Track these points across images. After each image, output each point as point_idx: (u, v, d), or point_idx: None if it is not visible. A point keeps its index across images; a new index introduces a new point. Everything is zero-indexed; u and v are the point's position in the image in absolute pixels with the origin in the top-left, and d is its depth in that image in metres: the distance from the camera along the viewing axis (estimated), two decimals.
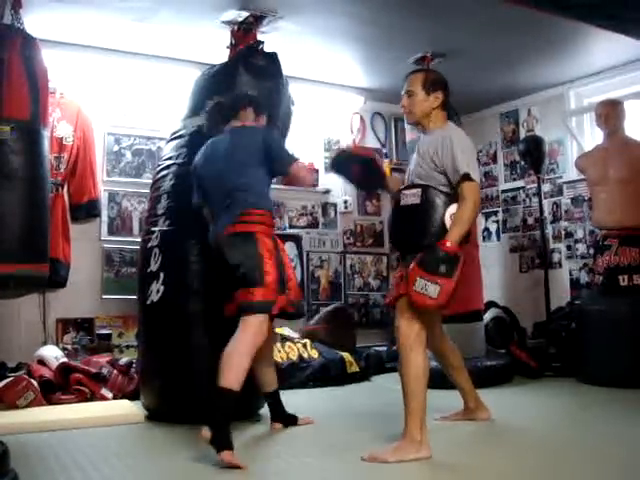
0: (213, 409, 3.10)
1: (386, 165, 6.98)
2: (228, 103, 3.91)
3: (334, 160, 3.91)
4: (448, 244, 3.07)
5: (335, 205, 6.80)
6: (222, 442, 2.99)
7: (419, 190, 3.28)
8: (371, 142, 7.04)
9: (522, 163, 6.70)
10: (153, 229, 4.07)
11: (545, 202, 6.53)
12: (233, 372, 3.17)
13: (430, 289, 3.02)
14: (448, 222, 3.17)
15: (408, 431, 3.08)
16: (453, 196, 3.21)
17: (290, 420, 3.85)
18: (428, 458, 3.03)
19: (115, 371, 4.68)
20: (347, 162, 3.79)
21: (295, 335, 5.74)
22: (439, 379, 3.90)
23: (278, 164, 3.57)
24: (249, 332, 3.26)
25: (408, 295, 3.09)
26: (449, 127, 3.39)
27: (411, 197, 3.31)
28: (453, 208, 3.19)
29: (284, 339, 5.50)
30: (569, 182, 6.47)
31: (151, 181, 4.43)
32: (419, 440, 3.05)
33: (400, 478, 2.87)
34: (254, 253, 3.34)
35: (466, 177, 3.15)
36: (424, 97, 3.37)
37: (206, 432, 3.01)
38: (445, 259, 3.05)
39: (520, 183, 6.94)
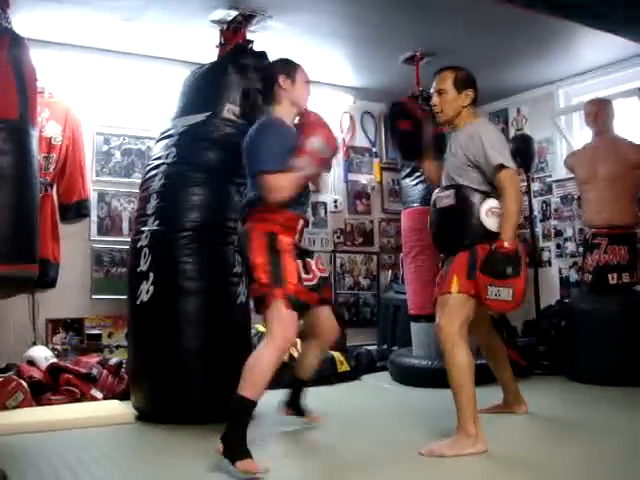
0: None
1: (376, 164, 7.03)
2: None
3: (391, 108, 4.02)
4: (506, 244, 3.13)
5: (325, 204, 6.80)
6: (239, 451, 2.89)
7: (452, 191, 3.35)
8: (361, 141, 7.06)
9: None
10: (143, 229, 4.06)
11: (534, 201, 6.55)
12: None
13: (504, 293, 3.12)
14: (484, 218, 3.23)
15: (461, 426, 3.10)
16: (488, 193, 3.27)
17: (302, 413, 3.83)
18: (484, 452, 3.05)
19: (105, 371, 4.67)
20: (399, 114, 3.84)
21: None
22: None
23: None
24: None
25: (484, 302, 3.16)
26: (478, 122, 3.44)
27: (446, 199, 3.40)
28: (489, 203, 3.26)
29: None
30: (558, 181, 6.49)
31: (140, 181, 4.42)
32: (474, 434, 3.07)
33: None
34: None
35: (500, 167, 3.21)
36: (455, 95, 3.42)
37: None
38: (508, 260, 3.12)
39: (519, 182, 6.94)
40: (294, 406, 3.81)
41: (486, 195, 3.28)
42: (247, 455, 2.86)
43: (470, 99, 3.43)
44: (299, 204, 3.40)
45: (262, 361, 3.03)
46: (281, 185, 3.17)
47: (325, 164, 3.37)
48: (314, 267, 3.42)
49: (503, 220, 3.20)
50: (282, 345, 3.09)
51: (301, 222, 3.40)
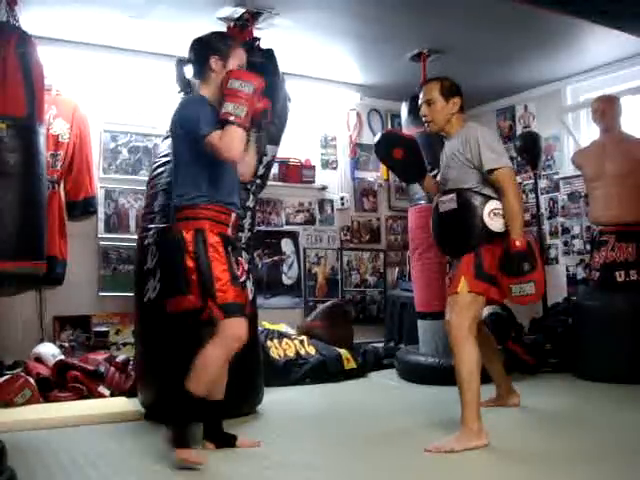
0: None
1: None
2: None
3: (378, 142, 4.00)
4: (517, 243, 3.24)
5: (332, 202, 6.80)
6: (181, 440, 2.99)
7: (454, 195, 3.42)
8: (368, 139, 7.05)
9: (518, 159, 6.69)
10: (150, 226, 4.06)
11: (542, 198, 6.54)
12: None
13: (527, 289, 3.24)
14: (487, 220, 3.31)
15: (465, 421, 3.17)
16: (489, 195, 3.35)
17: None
18: (485, 446, 3.12)
19: (112, 368, 4.67)
20: (390, 144, 3.90)
21: (292, 332, 5.74)
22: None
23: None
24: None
25: (511, 300, 3.33)
26: (469, 125, 3.53)
27: (448, 203, 3.47)
28: (491, 205, 3.34)
29: (281, 335, 5.49)
30: (565, 178, 6.48)
31: (148, 178, 4.42)
32: (476, 428, 3.15)
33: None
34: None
35: (494, 169, 3.29)
36: (444, 104, 3.54)
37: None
38: (524, 257, 3.23)
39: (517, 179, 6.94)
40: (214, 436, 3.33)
41: (487, 197, 3.35)
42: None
43: (457, 106, 3.56)
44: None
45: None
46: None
47: (254, 105, 3.00)
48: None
49: (509, 219, 3.29)
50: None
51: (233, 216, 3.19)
